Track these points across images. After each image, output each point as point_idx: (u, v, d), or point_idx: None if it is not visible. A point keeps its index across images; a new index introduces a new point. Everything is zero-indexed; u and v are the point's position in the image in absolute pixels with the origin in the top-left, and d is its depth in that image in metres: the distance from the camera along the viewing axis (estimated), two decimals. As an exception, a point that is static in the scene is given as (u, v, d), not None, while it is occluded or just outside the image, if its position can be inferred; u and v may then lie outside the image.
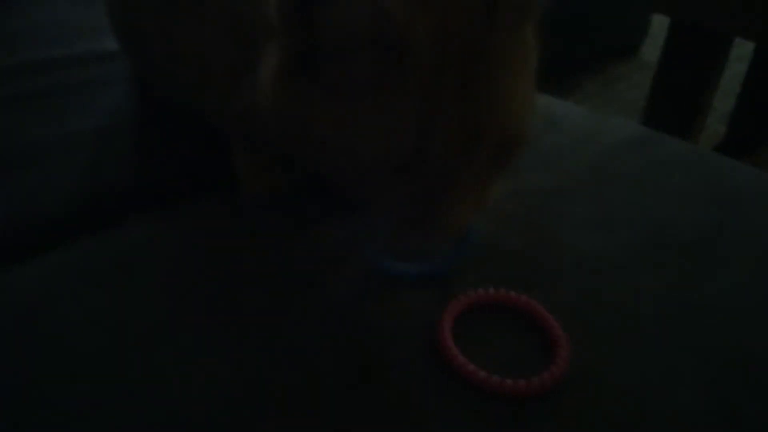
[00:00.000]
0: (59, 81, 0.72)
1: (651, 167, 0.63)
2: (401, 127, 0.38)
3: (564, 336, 0.44)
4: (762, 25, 1.11)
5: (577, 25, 1.94)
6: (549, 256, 0.52)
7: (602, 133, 0.68)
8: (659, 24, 2.01)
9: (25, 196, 0.57)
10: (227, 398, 0.41)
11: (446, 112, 0.38)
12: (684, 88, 1.28)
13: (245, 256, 0.51)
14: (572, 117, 0.70)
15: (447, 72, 0.38)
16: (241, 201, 0.56)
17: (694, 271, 0.52)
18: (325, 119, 0.40)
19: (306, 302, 0.47)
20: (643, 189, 0.60)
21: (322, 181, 0.47)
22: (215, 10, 0.48)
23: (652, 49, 2.15)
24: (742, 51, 1.35)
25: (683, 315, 0.48)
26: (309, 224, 0.53)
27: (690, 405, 0.42)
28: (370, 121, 0.39)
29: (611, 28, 2.13)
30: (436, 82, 0.38)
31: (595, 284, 0.50)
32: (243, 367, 0.43)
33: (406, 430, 0.40)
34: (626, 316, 0.47)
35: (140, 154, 0.63)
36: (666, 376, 0.43)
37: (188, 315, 0.46)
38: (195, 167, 0.62)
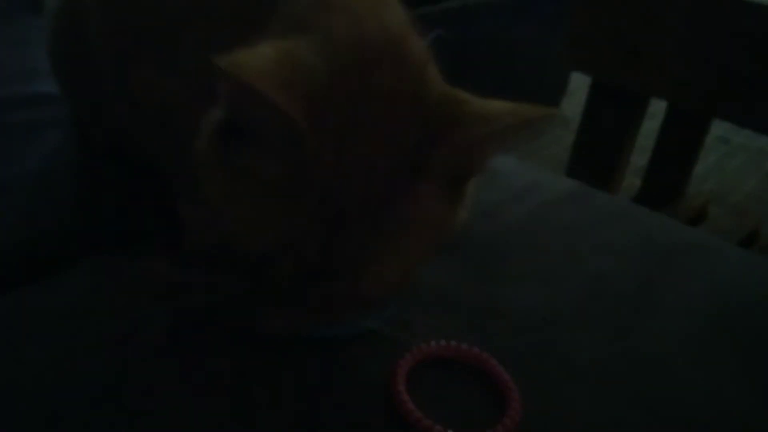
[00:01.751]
0: (-9, 124, 0.70)
1: (585, 221, 0.66)
2: (271, 231, 0.39)
3: (515, 389, 0.45)
4: (674, 86, 1.19)
5: (499, 80, 2.02)
6: (495, 308, 0.53)
7: (538, 187, 0.71)
8: (578, 81, 2.12)
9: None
10: None
11: (311, 245, 0.38)
12: (603, 143, 1.35)
13: (188, 309, 0.50)
14: (510, 171, 0.73)
15: (336, 202, 0.38)
16: (183, 252, 0.55)
17: (630, 323, 0.54)
18: (223, 190, 0.40)
19: (253, 359, 0.46)
20: (579, 242, 0.63)
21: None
22: (188, 66, 0.47)
23: (571, 105, 2.25)
24: (654, 109, 1.44)
25: (624, 365, 0.50)
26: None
27: None
28: (252, 207, 0.39)
29: (533, 85, 2.23)
30: (320, 206, 0.38)
31: (540, 336, 0.51)
32: (191, 427, 0.42)
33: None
34: (571, 368, 0.49)
35: (78, 199, 0.62)
36: (610, 428, 0.45)
37: (133, 373, 0.45)
38: (135, 214, 0.61)
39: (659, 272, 0.60)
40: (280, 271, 0.40)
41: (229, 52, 0.35)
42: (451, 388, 0.46)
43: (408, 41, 0.42)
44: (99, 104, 0.61)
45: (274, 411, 0.43)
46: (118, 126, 0.60)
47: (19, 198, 0.60)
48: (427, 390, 0.45)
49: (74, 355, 0.46)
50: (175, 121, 0.50)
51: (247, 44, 0.38)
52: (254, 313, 0.43)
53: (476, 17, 1.93)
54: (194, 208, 0.55)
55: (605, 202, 0.71)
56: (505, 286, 0.56)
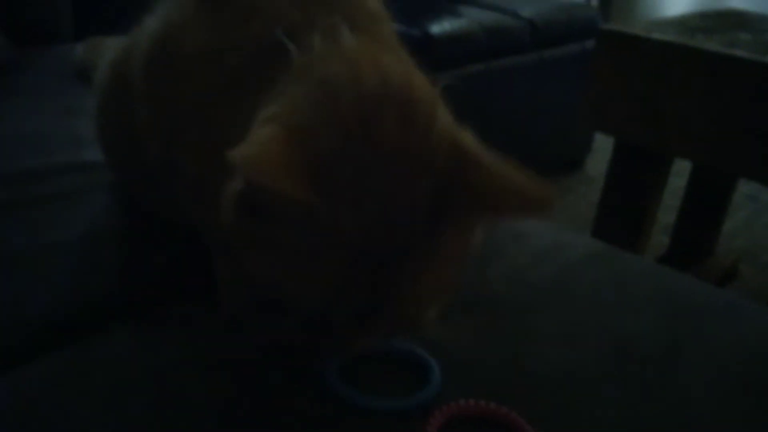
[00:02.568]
0: (41, 190, 0.74)
1: (609, 282, 0.67)
2: (313, 288, 0.42)
3: None
4: (698, 147, 1.20)
5: (526, 139, 2.05)
6: (521, 368, 0.54)
7: (562, 248, 0.73)
8: (602, 139, 2.14)
9: (9, 302, 0.57)
10: None
11: (357, 291, 0.42)
12: (629, 202, 1.36)
13: (227, 371, 0.52)
14: (534, 232, 0.75)
15: (366, 262, 0.41)
16: (220, 314, 0.57)
17: (656, 383, 0.55)
18: (256, 252, 0.43)
19: (288, 416, 0.48)
20: (603, 304, 0.64)
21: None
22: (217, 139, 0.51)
23: (596, 163, 2.28)
24: (679, 166, 1.45)
25: (652, 425, 0.50)
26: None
27: None
28: (288, 270, 0.42)
29: (558, 143, 2.26)
30: (353, 267, 0.41)
31: (567, 395, 0.52)
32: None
33: None
34: (597, 427, 0.50)
35: (122, 262, 0.65)
36: None
37: (173, 426, 0.47)
38: (177, 276, 0.64)
39: (686, 333, 0.61)
40: (331, 317, 0.43)
41: (238, 145, 0.39)
42: None
43: (411, 86, 0.44)
44: (141, 172, 0.65)
45: None
46: (158, 192, 0.64)
47: (66, 261, 0.63)
48: None
49: (120, 414, 0.48)
50: (207, 189, 0.53)
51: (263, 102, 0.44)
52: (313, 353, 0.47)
53: (500, 79, 1.98)
54: (229, 268, 0.58)
55: (630, 263, 0.73)
56: (532, 345, 0.57)
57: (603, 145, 2.08)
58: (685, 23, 1.37)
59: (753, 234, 2.01)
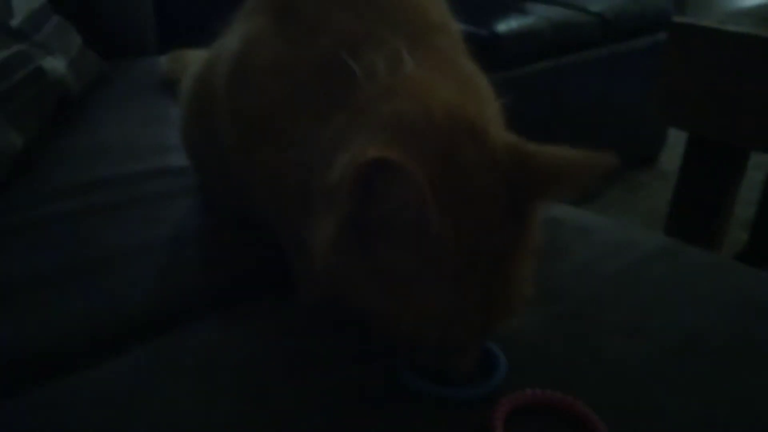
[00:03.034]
0: (131, 195, 0.80)
1: (677, 277, 0.68)
2: (431, 304, 0.46)
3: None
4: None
5: (598, 135, 2.03)
6: (590, 361, 0.56)
7: (630, 244, 0.73)
8: (676, 134, 2.09)
9: (105, 298, 0.63)
10: None
11: (469, 305, 0.46)
12: (705, 197, 1.33)
13: (308, 361, 0.56)
14: (601, 228, 0.76)
15: (475, 268, 0.45)
16: (299, 305, 0.61)
17: (723, 379, 0.55)
18: (366, 286, 0.48)
19: (360, 402, 0.51)
20: (670, 298, 0.64)
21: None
22: (291, 149, 0.55)
23: (670, 158, 2.22)
24: (759, 159, 1.41)
25: (720, 421, 0.51)
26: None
27: None
28: (402, 295, 0.46)
29: (631, 139, 2.22)
30: (465, 275, 0.45)
31: (632, 388, 0.53)
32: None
33: None
34: (666, 420, 0.51)
35: (208, 260, 0.69)
36: None
37: (262, 418, 0.50)
38: (260, 272, 0.68)
39: (756, 329, 0.60)
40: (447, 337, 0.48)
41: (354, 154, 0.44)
42: None
43: (466, 109, 0.48)
44: (224, 179, 0.69)
45: None
46: (239, 198, 0.68)
47: (156, 260, 0.68)
48: None
49: (212, 400, 0.52)
50: (286, 193, 0.57)
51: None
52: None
53: (570, 74, 1.96)
54: (310, 269, 0.61)
55: (699, 258, 0.72)
56: (598, 337, 0.58)
57: (678, 140, 2.04)
58: (761, 14, 1.33)
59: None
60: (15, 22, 0.98)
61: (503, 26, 1.79)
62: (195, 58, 0.84)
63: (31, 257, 0.68)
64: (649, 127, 2.22)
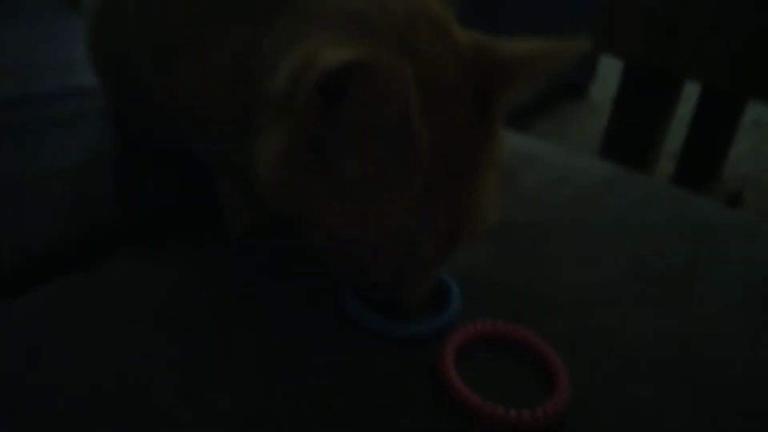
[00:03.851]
0: (32, 117, 0.71)
1: (625, 204, 0.65)
2: (394, 220, 0.41)
3: (563, 367, 0.45)
4: (710, 66, 1.17)
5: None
6: (540, 291, 0.53)
7: (577, 171, 0.70)
8: (607, 65, 2.09)
9: (4, 232, 0.55)
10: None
11: (437, 211, 0.42)
12: (638, 128, 1.33)
13: (235, 296, 0.51)
14: (548, 155, 0.73)
15: (442, 176, 0.41)
16: (226, 238, 0.55)
17: (674, 301, 0.54)
18: (323, 203, 0.42)
19: (298, 339, 0.47)
20: (620, 224, 0.62)
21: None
22: (216, 60, 0.48)
23: (600, 89, 2.23)
24: (686, 92, 1.42)
25: (669, 344, 0.49)
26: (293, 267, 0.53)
27: None
28: (368, 212, 0.41)
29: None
30: (431, 185, 0.41)
31: (586, 317, 0.51)
32: (240, 410, 0.42)
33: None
34: (616, 347, 0.49)
35: (121, 190, 0.62)
36: (660, 406, 0.44)
37: (185, 356, 0.45)
38: (177, 203, 0.61)
39: (702, 253, 0.59)
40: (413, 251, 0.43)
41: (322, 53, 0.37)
42: (498, 367, 0.46)
43: (426, 3, 0.44)
44: (137, 95, 0.62)
45: (319, 385, 0.43)
46: (155, 116, 0.61)
47: (64, 188, 0.61)
48: (476, 369, 0.45)
49: (127, 341, 0.46)
50: (208, 110, 0.50)
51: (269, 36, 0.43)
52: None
53: (505, 3, 1.91)
54: (235, 193, 0.56)
55: (645, 185, 0.70)
56: (549, 269, 0.56)
57: (608, 71, 2.04)
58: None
59: (758, 160, 1.98)
60: None
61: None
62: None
63: None
64: (580, 58, 2.21)
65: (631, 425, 0.43)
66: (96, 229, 0.58)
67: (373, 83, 0.37)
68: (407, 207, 0.41)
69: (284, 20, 0.44)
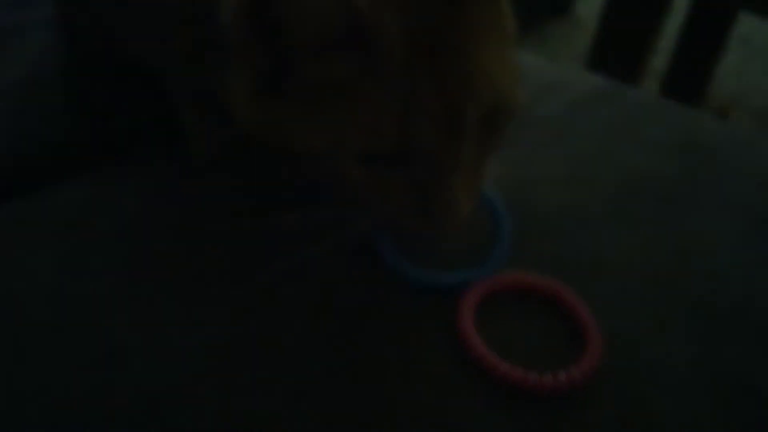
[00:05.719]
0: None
1: (616, 119, 0.61)
2: (381, 119, 0.37)
3: (593, 323, 0.41)
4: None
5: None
6: (530, 213, 0.49)
7: (566, 84, 0.66)
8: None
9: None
10: (191, 369, 0.37)
11: (423, 93, 0.36)
12: (625, 44, 1.28)
13: (195, 221, 0.46)
14: (535, 68, 0.68)
15: (418, 55, 0.36)
16: (188, 159, 0.51)
17: (670, 219, 0.50)
18: (301, 129, 0.38)
19: (281, 276, 0.43)
20: (611, 141, 0.58)
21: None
22: None
23: (585, 6, 2.16)
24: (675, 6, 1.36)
25: (662, 261, 0.47)
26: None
27: (680, 356, 0.41)
28: (348, 122, 0.37)
29: (544, -14, 2.12)
30: (408, 68, 0.36)
31: (578, 239, 0.48)
32: (209, 342, 0.39)
33: (420, 426, 0.36)
34: (605, 267, 0.46)
35: (72, 107, 0.57)
36: (658, 329, 0.42)
37: (140, 282, 0.42)
38: (134, 121, 0.56)
39: (697, 168, 0.56)
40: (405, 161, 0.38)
41: None
42: (521, 323, 0.42)
43: None
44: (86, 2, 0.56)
45: (331, 341, 0.40)
46: (106, 24, 0.55)
47: (7, 106, 0.55)
48: (497, 325, 0.41)
49: (80, 266, 0.42)
50: (162, 16, 0.45)
51: None
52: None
53: None
54: (201, 113, 0.51)
55: (637, 99, 0.66)
56: (537, 189, 0.52)
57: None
58: None
59: (744, 78, 1.94)
60: None
61: None
62: None
63: None
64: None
65: (623, 346, 0.40)
66: (43, 150, 0.53)
67: None
68: (380, 99, 0.36)
69: None
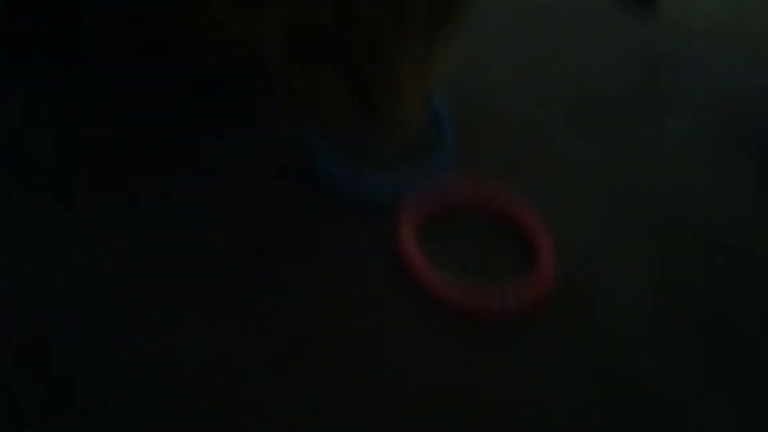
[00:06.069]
0: None
1: (578, 25, 0.56)
2: None
3: (546, 237, 0.37)
4: None
5: None
6: (482, 123, 0.44)
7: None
8: None
9: None
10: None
11: None
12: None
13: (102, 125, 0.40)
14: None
15: None
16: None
17: (631, 129, 0.47)
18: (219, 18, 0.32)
19: (200, 197, 0.37)
20: (570, 42, 0.53)
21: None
22: None
23: None
24: None
25: (623, 179, 0.44)
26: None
27: (638, 275, 0.38)
28: None
29: None
30: None
31: (533, 147, 0.44)
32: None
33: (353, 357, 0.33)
34: (567, 185, 0.42)
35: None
36: (615, 247, 0.39)
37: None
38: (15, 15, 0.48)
39: (659, 79, 0.52)
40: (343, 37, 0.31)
41: None
42: (468, 238, 0.38)
43: None
44: None
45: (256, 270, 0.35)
46: None
47: None
48: (441, 242, 0.37)
49: None
50: None
51: None
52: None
53: None
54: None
55: (594, 3, 0.61)
56: (487, 90, 0.47)
57: None
58: None
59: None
60: None
61: None
62: None
63: None
64: None
65: (583, 266, 0.37)
66: None
67: None
68: None
69: None
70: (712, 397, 0.33)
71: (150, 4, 0.35)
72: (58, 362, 0.30)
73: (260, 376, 0.31)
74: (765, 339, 0.36)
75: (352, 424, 0.30)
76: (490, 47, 0.52)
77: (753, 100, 0.52)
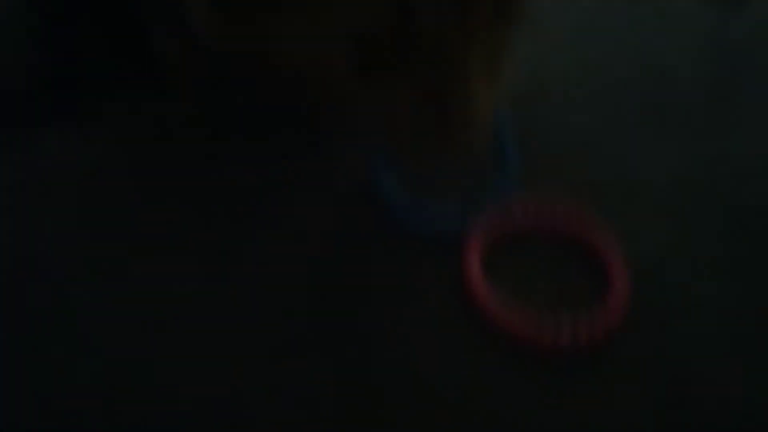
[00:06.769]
0: None
1: (645, 18, 0.54)
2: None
3: (619, 266, 0.36)
4: None
5: None
6: (547, 137, 0.44)
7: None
8: None
9: None
10: (152, 338, 0.34)
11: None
12: None
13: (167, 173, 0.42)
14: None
15: None
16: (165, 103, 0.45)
17: (706, 129, 0.45)
18: (283, 25, 0.32)
19: (268, 232, 0.39)
20: (634, 37, 0.51)
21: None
22: None
23: None
24: None
25: (701, 194, 0.42)
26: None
27: (713, 297, 0.37)
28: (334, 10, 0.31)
29: None
30: None
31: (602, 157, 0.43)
32: (180, 309, 0.35)
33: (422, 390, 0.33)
34: (639, 201, 0.41)
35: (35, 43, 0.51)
36: (692, 268, 0.38)
37: (108, 248, 0.38)
38: (101, 57, 0.50)
39: (728, 69, 0.50)
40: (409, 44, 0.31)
41: None
42: (538, 268, 0.38)
43: None
44: None
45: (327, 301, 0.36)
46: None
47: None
48: (510, 272, 0.37)
49: (43, 229, 0.39)
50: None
51: None
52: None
53: None
54: (180, 39, 0.45)
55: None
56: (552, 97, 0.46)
57: None
58: None
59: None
60: None
61: None
62: None
63: None
64: None
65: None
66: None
67: None
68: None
69: None
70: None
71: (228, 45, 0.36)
72: None
73: (332, 407, 0.32)
74: None
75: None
76: (557, 48, 0.50)
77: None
